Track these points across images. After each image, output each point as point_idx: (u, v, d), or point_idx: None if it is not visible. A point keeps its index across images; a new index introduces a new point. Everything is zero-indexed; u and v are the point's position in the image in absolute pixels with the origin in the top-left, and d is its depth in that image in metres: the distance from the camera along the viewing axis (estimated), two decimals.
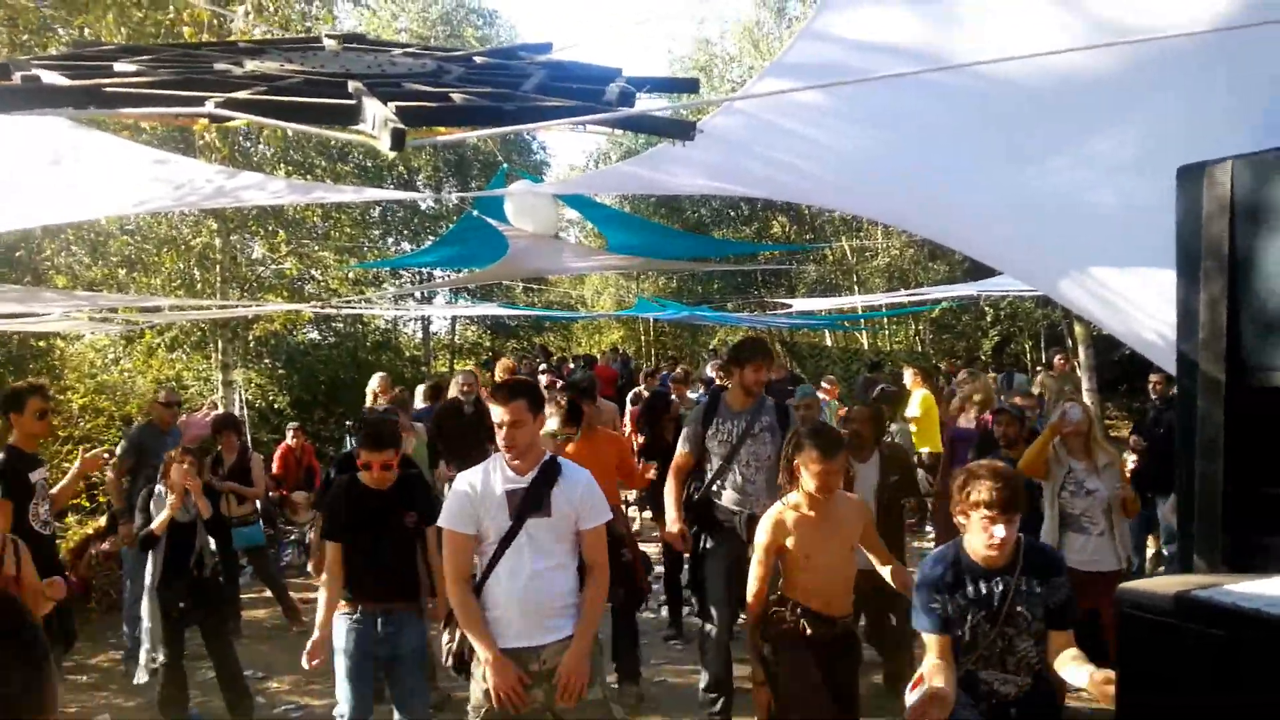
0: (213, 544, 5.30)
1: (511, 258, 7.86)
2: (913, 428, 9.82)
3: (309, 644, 3.77)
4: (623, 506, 6.08)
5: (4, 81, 1.83)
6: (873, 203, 3.99)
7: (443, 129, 1.98)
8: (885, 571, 3.85)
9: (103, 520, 7.69)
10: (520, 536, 3.15)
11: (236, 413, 10.25)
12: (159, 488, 5.13)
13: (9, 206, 3.81)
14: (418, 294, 18.43)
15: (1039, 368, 15.80)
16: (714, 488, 4.83)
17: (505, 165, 20.75)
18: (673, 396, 8.70)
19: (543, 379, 11.99)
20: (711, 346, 25.34)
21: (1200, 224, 1.64)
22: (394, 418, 5.13)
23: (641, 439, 7.74)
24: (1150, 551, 7.44)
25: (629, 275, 25.30)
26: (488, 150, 22.29)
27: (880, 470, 5.22)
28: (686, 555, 5.30)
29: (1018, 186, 2.65)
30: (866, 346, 24.62)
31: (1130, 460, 6.72)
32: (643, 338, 28.48)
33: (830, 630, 3.67)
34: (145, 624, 5.23)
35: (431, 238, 19.05)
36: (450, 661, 3.40)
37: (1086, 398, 10.58)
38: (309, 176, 14.57)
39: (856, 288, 22.62)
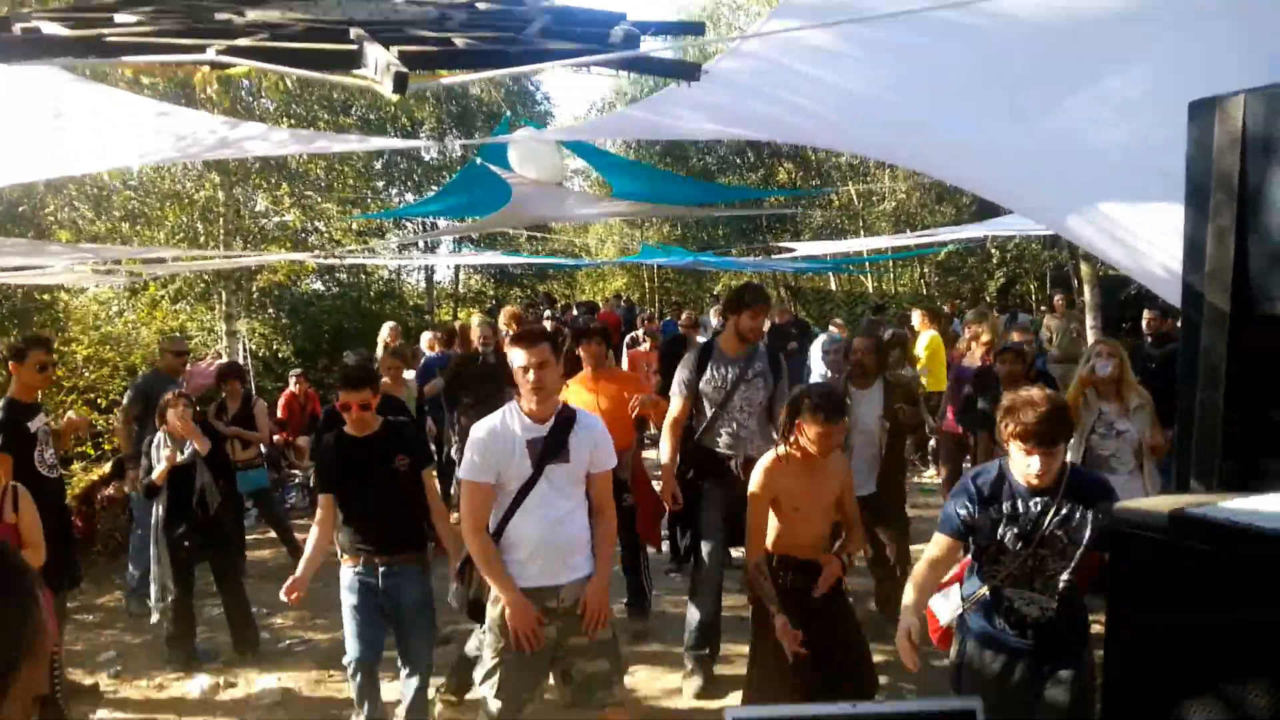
0: (214, 483, 5.38)
1: (515, 205, 7.81)
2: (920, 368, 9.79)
3: (289, 579, 3.80)
4: (637, 445, 6.07)
5: (5, 33, 1.82)
6: (881, 143, 3.96)
7: (445, 72, 1.96)
8: (846, 535, 3.95)
9: (108, 467, 7.84)
10: (541, 483, 3.24)
11: (240, 362, 10.28)
12: (159, 435, 5.25)
13: (11, 161, 3.81)
14: (421, 243, 18.33)
15: (1043, 308, 15.77)
16: (709, 433, 4.83)
17: (508, 113, 20.50)
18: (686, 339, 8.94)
19: (547, 325, 12.02)
20: (715, 293, 25.25)
21: (1211, 157, 1.64)
22: (370, 359, 5.14)
23: (659, 378, 7.83)
24: None
25: (633, 223, 25.13)
26: (491, 101, 22.01)
27: (884, 395, 5.27)
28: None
29: (1028, 124, 2.62)
30: (871, 290, 24.52)
31: None
32: (647, 284, 28.41)
33: (811, 581, 3.73)
34: (154, 567, 5.40)
35: (435, 189, 18.89)
36: (466, 610, 3.53)
37: (1090, 336, 10.57)
38: (312, 129, 14.41)
39: (863, 232, 22.44)
